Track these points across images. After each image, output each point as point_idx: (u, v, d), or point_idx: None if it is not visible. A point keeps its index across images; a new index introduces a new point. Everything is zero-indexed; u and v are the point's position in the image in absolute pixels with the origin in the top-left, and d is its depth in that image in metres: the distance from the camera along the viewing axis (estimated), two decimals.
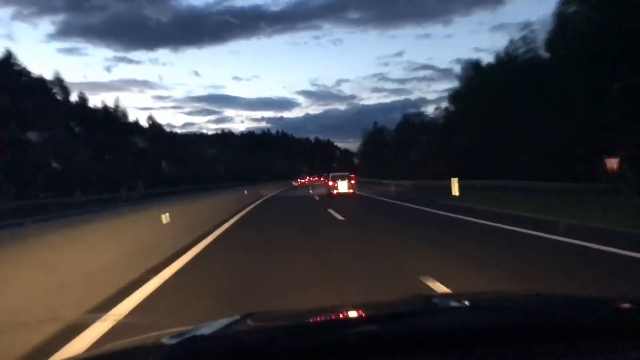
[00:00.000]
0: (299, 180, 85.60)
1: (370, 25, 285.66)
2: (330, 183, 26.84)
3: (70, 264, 4.15)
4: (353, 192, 26.27)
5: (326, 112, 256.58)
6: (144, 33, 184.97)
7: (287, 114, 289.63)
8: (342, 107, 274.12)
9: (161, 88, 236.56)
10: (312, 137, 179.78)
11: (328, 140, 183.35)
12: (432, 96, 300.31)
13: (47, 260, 3.84)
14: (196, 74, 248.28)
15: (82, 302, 4.04)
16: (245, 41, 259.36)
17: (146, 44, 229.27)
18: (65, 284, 3.88)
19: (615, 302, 1.45)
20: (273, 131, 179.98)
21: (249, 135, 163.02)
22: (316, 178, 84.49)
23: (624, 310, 1.32)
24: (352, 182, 26.63)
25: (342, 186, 26.21)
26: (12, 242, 3.64)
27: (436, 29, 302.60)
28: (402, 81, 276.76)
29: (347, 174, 28.07)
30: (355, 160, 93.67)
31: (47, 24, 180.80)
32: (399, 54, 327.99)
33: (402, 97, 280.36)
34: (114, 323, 3.73)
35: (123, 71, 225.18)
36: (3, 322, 3.05)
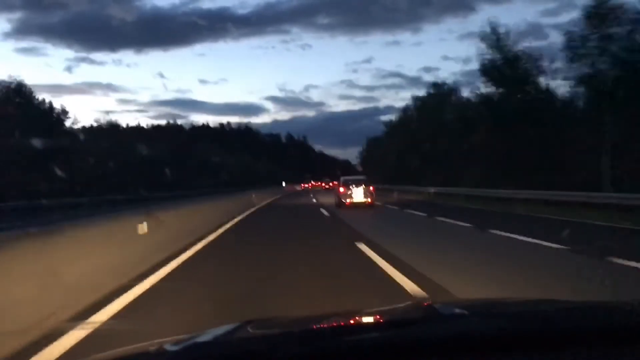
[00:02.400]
0: (302, 184, 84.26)
1: (340, 31, 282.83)
2: (342, 190, 20.76)
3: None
4: (372, 202, 20.22)
5: (295, 119, 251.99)
6: (107, 33, 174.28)
7: (255, 120, 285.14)
8: (310, 113, 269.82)
9: (126, 91, 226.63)
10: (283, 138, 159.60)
11: (304, 138, 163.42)
12: (400, 104, 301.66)
13: None
14: (161, 76, 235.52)
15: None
16: (212, 44, 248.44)
17: (109, 44, 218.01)
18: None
19: (616, 308, 1.47)
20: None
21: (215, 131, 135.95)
22: (319, 183, 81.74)
23: (626, 316, 1.32)
24: (371, 188, 20.60)
25: (358, 194, 20.26)
26: None
27: (405, 36, 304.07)
28: (370, 88, 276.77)
29: (362, 177, 22.11)
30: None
31: (3, 22, 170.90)
32: (368, 60, 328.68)
33: (370, 105, 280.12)
34: None
35: (86, 73, 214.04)
36: None
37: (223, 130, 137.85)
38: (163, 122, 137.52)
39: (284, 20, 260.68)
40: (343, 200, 20.48)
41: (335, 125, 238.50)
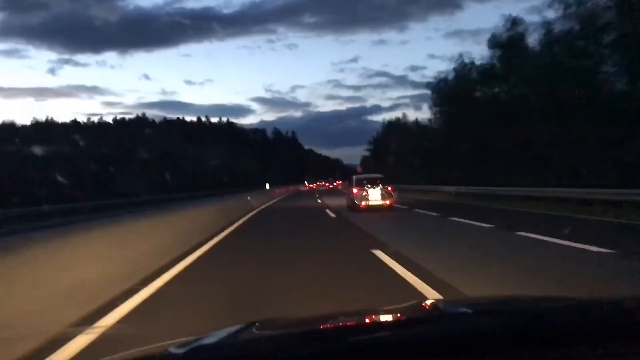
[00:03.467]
0: (307, 184, 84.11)
1: (326, 30, 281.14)
2: (355, 190, 17.95)
3: None
4: (391, 205, 17.50)
5: (281, 119, 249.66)
6: (89, 35, 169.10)
7: (241, 121, 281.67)
8: (297, 114, 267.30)
9: (111, 94, 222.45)
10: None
11: (292, 134, 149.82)
12: (387, 104, 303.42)
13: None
14: (146, 77, 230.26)
15: None
16: (197, 44, 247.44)
17: (92, 46, 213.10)
18: None
19: (622, 305, 1.47)
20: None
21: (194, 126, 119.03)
22: (323, 183, 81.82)
23: (629, 313, 1.32)
24: (389, 188, 17.84)
25: (374, 195, 17.51)
26: None
27: (391, 34, 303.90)
28: (357, 88, 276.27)
29: (378, 176, 19.27)
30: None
31: None
32: (354, 59, 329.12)
33: (357, 105, 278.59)
34: None
35: (69, 75, 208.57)
36: None
37: (201, 125, 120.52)
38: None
39: (269, 20, 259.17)
40: (357, 203, 17.71)
41: (322, 125, 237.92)
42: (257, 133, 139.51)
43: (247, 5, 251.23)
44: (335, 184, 79.92)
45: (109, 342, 3.64)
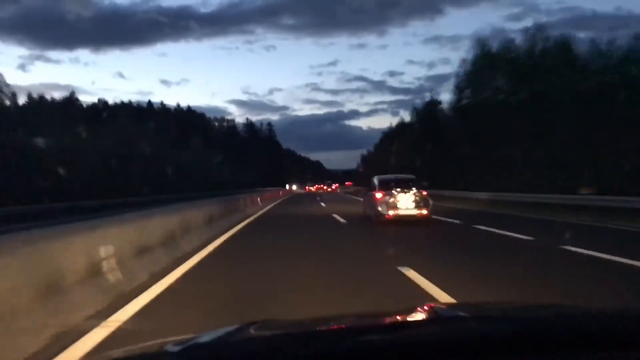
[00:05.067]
0: (307, 187, 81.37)
1: (305, 33, 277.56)
2: (378, 195, 13.69)
3: None
4: (428, 216, 13.28)
5: (258, 122, 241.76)
6: (62, 30, 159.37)
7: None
8: (274, 117, 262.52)
9: (85, 93, 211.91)
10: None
11: (269, 126, 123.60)
12: (365, 109, 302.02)
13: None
14: (121, 76, 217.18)
15: None
16: (174, 44, 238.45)
17: (64, 42, 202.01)
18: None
19: (619, 313, 1.48)
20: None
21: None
22: (321, 185, 79.39)
23: (626, 321, 1.32)
24: (424, 193, 13.64)
25: (406, 202, 13.23)
26: None
27: (371, 39, 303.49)
28: (335, 92, 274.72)
29: (410, 177, 15.06)
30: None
31: None
32: (333, 63, 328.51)
33: (335, 109, 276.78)
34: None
35: (42, 72, 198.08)
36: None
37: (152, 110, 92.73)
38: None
39: (247, 21, 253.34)
40: (381, 211, 13.43)
41: (300, 129, 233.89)
42: (225, 124, 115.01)
43: (225, 4, 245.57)
44: (334, 186, 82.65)
45: None
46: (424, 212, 13.40)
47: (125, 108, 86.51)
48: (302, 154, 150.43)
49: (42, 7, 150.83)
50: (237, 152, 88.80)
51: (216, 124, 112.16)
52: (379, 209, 13.56)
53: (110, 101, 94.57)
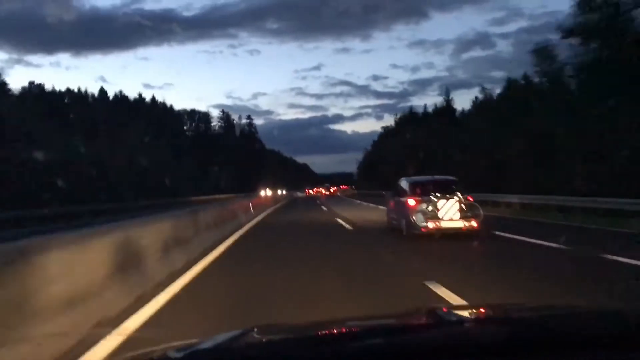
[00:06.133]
0: (307, 190, 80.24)
1: (289, 37, 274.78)
2: (411, 202, 10.69)
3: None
4: (478, 228, 10.25)
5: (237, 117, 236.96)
6: (42, 34, 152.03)
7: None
8: (259, 121, 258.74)
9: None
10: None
11: (249, 119, 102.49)
12: (349, 113, 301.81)
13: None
14: (103, 79, 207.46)
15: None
16: (156, 48, 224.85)
17: (44, 46, 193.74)
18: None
19: (620, 314, 1.47)
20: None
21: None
22: (319, 189, 78.32)
23: (628, 322, 1.31)
24: (469, 198, 10.64)
25: (449, 211, 10.27)
26: None
27: (355, 43, 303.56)
28: (319, 96, 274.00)
29: (451, 178, 12.08)
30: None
31: None
32: (317, 67, 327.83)
33: (319, 114, 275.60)
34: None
35: (21, 76, 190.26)
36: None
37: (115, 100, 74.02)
38: None
39: (231, 24, 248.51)
40: (417, 223, 10.42)
41: (284, 133, 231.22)
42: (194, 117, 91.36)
43: (209, 8, 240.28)
44: (332, 190, 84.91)
45: None
46: (474, 224, 10.39)
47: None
48: (288, 155, 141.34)
49: (22, 10, 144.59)
50: (208, 150, 74.47)
51: (186, 117, 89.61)
52: (413, 219, 10.53)
53: None
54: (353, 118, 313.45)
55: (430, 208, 10.48)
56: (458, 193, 10.61)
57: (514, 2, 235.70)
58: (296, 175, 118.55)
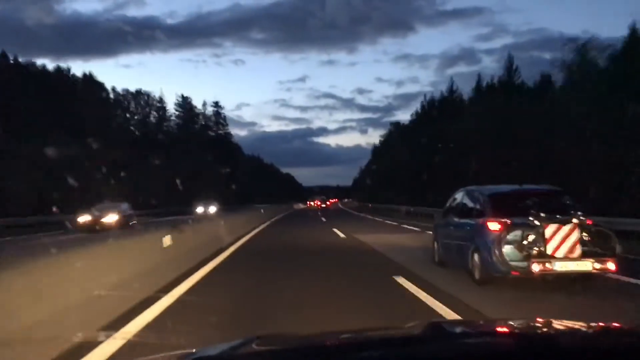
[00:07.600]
0: (308, 202, 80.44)
1: (274, 47, 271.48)
2: (494, 227, 6.39)
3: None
4: (616, 271, 5.90)
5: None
6: (21, 39, 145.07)
7: None
8: (242, 132, 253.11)
9: None
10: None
11: (223, 117, 73.85)
12: (333, 126, 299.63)
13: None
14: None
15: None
16: (138, 55, 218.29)
17: (23, 52, 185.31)
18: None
19: (620, 331, 1.46)
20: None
21: None
22: (316, 202, 76.26)
23: (626, 339, 1.31)
24: (588, 222, 6.32)
25: (567, 245, 5.84)
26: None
27: (341, 55, 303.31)
28: (304, 109, 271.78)
29: (556, 189, 7.76)
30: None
31: None
32: (302, 79, 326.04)
33: (303, 126, 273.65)
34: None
35: None
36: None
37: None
38: None
39: (216, 33, 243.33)
40: (503, 258, 6.22)
41: (267, 145, 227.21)
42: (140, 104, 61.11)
43: (193, 16, 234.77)
44: (329, 202, 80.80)
45: None
46: (610, 265, 6.17)
47: None
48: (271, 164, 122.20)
49: (0, 13, 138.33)
50: (158, 148, 50.57)
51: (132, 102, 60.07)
52: (497, 253, 6.29)
53: None
54: (337, 131, 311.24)
55: (531, 237, 6.28)
56: (579, 213, 6.41)
57: (499, 18, 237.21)
58: (281, 186, 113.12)
